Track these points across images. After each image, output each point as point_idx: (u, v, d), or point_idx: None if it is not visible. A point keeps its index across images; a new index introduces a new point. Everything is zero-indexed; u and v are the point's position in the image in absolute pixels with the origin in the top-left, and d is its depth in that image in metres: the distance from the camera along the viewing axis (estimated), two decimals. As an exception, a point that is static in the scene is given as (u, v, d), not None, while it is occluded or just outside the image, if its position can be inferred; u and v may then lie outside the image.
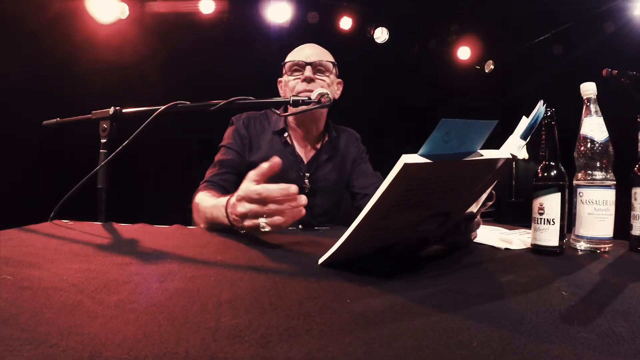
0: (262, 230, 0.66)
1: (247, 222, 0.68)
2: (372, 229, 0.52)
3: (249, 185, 0.67)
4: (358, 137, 1.41)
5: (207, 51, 3.19)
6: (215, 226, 0.86)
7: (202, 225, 0.93)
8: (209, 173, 1.18)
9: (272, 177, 1.19)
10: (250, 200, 0.67)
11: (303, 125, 1.24)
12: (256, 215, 0.67)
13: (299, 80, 1.16)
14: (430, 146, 0.42)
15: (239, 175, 1.17)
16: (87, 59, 2.77)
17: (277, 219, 0.66)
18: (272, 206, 0.66)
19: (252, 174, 0.68)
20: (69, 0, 2.71)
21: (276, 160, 0.68)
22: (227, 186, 1.13)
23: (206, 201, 0.91)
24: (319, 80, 1.17)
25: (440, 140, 0.42)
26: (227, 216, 0.75)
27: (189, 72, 3.09)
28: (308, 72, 1.15)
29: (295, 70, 1.19)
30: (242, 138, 1.22)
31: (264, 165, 0.68)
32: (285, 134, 1.24)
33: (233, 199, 0.72)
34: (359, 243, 0.54)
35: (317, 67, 1.18)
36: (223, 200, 0.79)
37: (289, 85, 1.18)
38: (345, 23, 3.55)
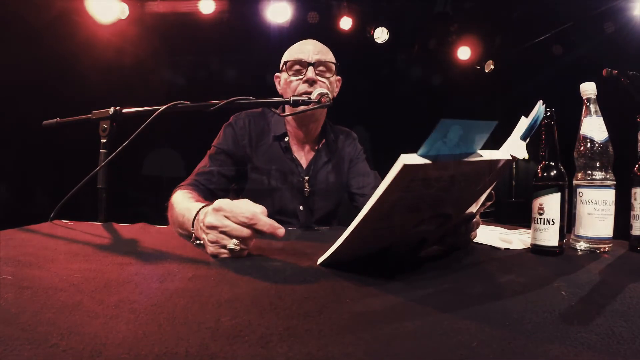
0: (231, 249, 0.60)
1: (212, 236, 0.61)
2: (371, 229, 0.52)
3: (246, 204, 0.61)
4: (355, 137, 1.40)
5: (207, 51, 3.20)
6: (182, 232, 0.82)
7: (173, 227, 0.88)
8: (199, 167, 1.16)
9: (272, 182, 1.19)
10: (233, 216, 0.60)
11: (303, 126, 1.23)
12: (227, 233, 0.61)
13: (300, 81, 1.14)
14: (430, 146, 0.42)
15: (226, 177, 1.17)
16: (87, 59, 2.77)
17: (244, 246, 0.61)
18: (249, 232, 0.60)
19: (251, 207, 0.61)
20: (69, 0, 2.72)
21: (281, 231, 0.61)
22: (211, 187, 1.12)
23: (182, 203, 0.85)
24: (321, 82, 1.15)
25: (439, 141, 0.42)
26: (193, 222, 0.71)
27: (189, 72, 3.10)
28: (310, 73, 1.13)
29: (297, 69, 1.16)
30: (241, 137, 1.21)
31: (271, 224, 0.61)
32: (286, 139, 1.23)
33: (209, 208, 0.65)
34: (358, 243, 0.54)
35: (319, 67, 1.16)
36: (198, 205, 0.74)
37: (291, 86, 1.16)
38: (345, 23, 3.55)
